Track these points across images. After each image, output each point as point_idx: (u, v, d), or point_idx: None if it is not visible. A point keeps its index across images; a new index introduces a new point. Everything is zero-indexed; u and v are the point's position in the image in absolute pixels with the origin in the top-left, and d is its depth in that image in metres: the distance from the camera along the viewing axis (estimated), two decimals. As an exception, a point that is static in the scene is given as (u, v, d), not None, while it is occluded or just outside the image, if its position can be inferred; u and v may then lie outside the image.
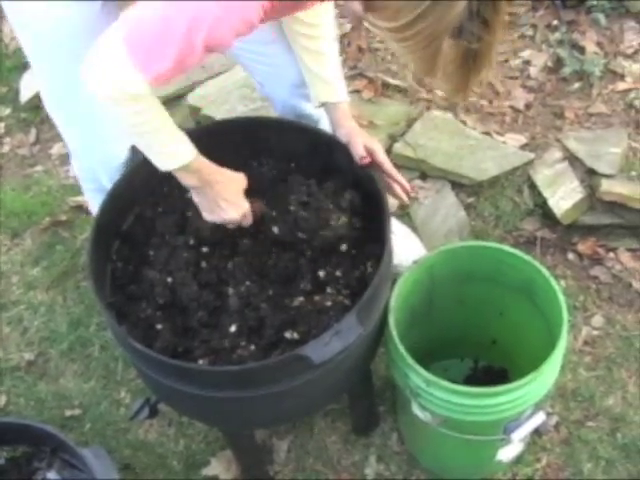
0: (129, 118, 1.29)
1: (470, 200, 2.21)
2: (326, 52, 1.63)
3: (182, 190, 1.64)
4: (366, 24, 1.18)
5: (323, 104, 1.66)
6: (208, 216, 1.48)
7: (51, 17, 1.45)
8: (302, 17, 1.57)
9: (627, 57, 2.38)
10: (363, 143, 1.57)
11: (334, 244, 1.53)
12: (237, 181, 1.48)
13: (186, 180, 1.41)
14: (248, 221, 1.52)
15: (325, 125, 1.75)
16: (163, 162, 1.37)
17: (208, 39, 1.20)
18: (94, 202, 1.59)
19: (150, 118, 1.30)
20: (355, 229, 1.56)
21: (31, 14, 1.46)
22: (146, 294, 1.51)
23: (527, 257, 1.61)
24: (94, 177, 1.73)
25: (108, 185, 1.63)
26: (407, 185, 1.64)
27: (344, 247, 1.54)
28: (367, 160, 1.56)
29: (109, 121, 1.38)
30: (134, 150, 1.62)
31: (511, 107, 2.33)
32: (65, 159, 2.55)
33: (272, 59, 1.73)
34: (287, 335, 1.43)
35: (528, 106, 2.33)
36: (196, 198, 1.47)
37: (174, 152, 1.36)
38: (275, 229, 1.55)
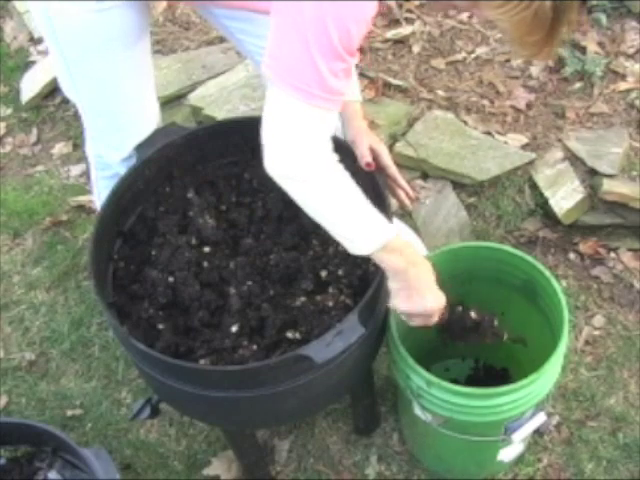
0: (324, 188, 1.25)
1: (471, 200, 2.21)
2: None
3: (184, 190, 1.65)
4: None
5: None
6: (403, 304, 1.37)
7: (84, 21, 1.44)
8: None
9: (628, 57, 2.38)
10: (369, 144, 1.55)
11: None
12: (430, 267, 1.38)
13: (389, 262, 1.31)
14: (435, 319, 1.41)
15: None
16: (364, 241, 1.29)
17: (341, 39, 1.21)
18: (105, 192, 1.58)
19: (344, 183, 1.27)
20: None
21: (62, 18, 1.45)
22: (148, 294, 1.50)
23: (528, 257, 1.61)
24: (108, 163, 1.73)
25: (121, 171, 1.62)
26: (410, 191, 1.63)
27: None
28: (372, 167, 1.54)
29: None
30: (137, 149, 1.62)
31: (512, 107, 2.32)
32: (66, 159, 2.55)
33: None
34: (289, 335, 1.43)
35: (529, 106, 2.32)
36: (393, 283, 1.35)
37: (374, 227, 1.29)
38: (473, 314, 1.51)
